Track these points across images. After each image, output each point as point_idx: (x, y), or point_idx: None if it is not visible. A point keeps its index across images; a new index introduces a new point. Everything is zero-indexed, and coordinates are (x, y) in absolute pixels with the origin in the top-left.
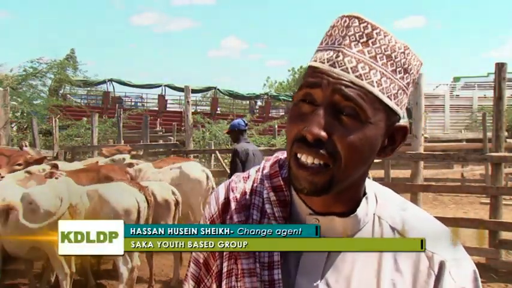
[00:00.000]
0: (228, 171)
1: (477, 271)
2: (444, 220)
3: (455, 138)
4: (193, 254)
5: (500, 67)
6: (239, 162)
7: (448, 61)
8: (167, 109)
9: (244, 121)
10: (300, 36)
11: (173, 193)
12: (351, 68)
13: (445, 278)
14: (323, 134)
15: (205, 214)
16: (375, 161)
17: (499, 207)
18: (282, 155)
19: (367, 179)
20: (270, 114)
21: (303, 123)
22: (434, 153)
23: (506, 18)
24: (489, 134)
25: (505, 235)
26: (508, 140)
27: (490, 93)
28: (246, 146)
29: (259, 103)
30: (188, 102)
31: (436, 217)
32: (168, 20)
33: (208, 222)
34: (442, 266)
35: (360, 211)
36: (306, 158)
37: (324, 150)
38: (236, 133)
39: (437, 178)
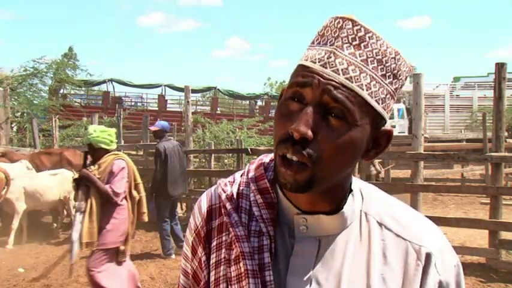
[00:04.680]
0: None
1: (460, 265)
2: (444, 220)
3: (455, 138)
4: (182, 264)
5: (500, 67)
6: (159, 160)
7: (449, 61)
8: (167, 109)
9: (168, 124)
10: (302, 37)
11: None
12: (342, 70)
13: (431, 270)
14: (309, 133)
15: (190, 225)
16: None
17: (499, 207)
18: (266, 157)
19: (353, 177)
20: (270, 114)
21: (290, 122)
22: (434, 153)
23: (507, 18)
24: (489, 134)
25: (505, 235)
26: (508, 140)
27: (490, 93)
28: (166, 145)
29: (259, 103)
30: (188, 102)
31: (436, 217)
32: (173, 21)
33: (194, 234)
34: (428, 257)
35: (347, 208)
36: (291, 156)
37: (306, 151)
38: (162, 132)
39: (437, 178)
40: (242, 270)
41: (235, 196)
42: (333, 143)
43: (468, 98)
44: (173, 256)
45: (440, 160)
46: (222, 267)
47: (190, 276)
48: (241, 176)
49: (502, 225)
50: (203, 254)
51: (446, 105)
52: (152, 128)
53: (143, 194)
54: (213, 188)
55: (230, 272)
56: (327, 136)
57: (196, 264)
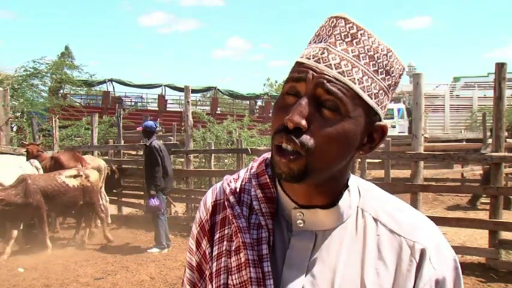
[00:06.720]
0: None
1: (457, 260)
2: (444, 220)
3: (455, 138)
4: (187, 258)
5: (500, 67)
6: (159, 157)
7: (449, 61)
8: (167, 109)
9: (155, 124)
10: (303, 37)
11: None
12: (334, 65)
13: (425, 265)
14: (303, 123)
15: (195, 219)
16: (375, 160)
17: (499, 207)
18: (268, 155)
19: (351, 175)
20: (270, 114)
21: (286, 114)
22: (434, 153)
23: (507, 18)
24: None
25: (505, 235)
26: (508, 140)
27: (490, 93)
28: (159, 143)
29: (259, 103)
30: (188, 102)
31: (436, 217)
32: (174, 21)
33: (198, 227)
34: (422, 253)
35: (342, 203)
36: (286, 146)
37: (299, 139)
38: (149, 132)
39: (437, 178)
40: (243, 260)
41: (238, 191)
42: (325, 133)
43: (468, 98)
44: (166, 250)
45: (440, 160)
46: (223, 259)
47: (195, 269)
48: (245, 172)
49: (502, 225)
50: (208, 246)
51: (446, 105)
52: (138, 129)
53: None
54: (218, 184)
55: (230, 263)
56: (320, 126)
57: (200, 256)
